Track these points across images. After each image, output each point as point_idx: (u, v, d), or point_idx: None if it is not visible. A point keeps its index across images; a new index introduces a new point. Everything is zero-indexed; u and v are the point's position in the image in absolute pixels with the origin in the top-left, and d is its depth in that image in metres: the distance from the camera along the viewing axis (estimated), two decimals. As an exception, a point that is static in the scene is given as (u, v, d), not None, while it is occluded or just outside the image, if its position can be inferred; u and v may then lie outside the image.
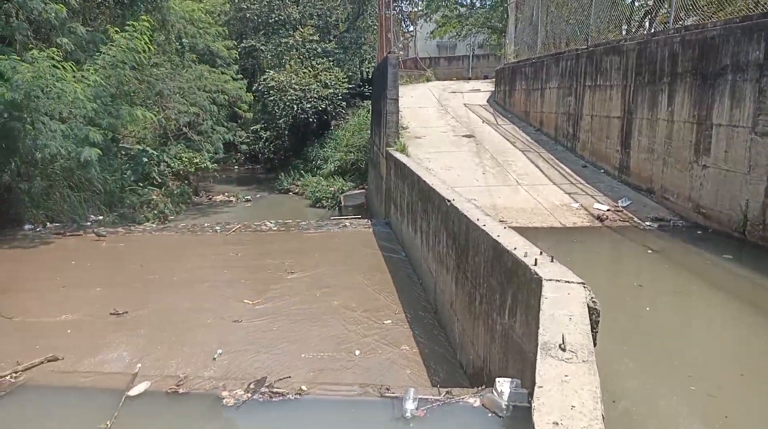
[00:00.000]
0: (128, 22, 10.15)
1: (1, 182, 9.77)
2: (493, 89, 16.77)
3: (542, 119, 11.96)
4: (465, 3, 26.78)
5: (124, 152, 15.56)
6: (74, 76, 9.04)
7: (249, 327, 5.53)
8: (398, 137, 10.66)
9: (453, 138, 11.43)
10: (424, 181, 6.54)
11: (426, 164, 9.23)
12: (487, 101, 15.81)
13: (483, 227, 4.12)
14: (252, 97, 21.08)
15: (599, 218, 7.11)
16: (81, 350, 4.92)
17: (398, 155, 9.30)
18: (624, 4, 10.98)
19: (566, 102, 10.62)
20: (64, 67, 8.54)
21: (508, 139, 11.25)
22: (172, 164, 17.13)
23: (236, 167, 26.01)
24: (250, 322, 5.66)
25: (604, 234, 6.72)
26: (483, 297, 4.06)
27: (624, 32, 10.93)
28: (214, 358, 4.81)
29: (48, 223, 10.22)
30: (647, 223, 6.85)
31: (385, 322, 5.67)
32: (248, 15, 21.84)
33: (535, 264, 3.14)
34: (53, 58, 8.31)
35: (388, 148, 10.42)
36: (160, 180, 16.48)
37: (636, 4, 12.66)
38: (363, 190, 16.68)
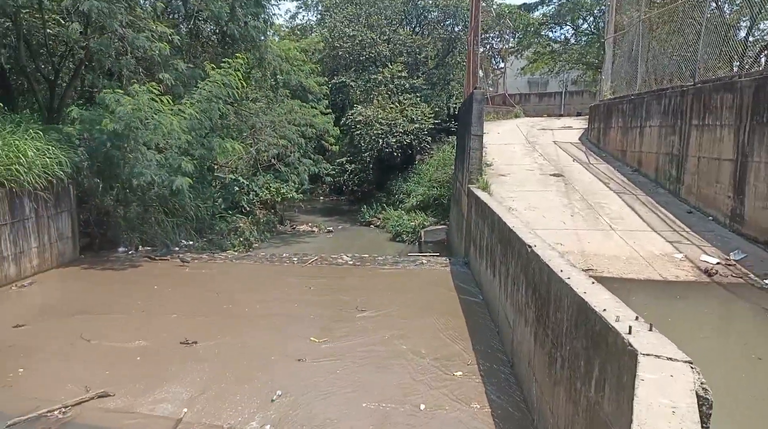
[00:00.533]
0: (224, 59, 10.67)
1: (102, 206, 10.45)
2: (586, 127, 15.94)
3: (641, 159, 11.08)
4: (559, 39, 26.09)
5: (218, 181, 16.33)
6: (171, 109, 9.57)
7: (312, 368, 5.31)
8: (481, 174, 10.28)
9: (539, 176, 10.85)
10: (504, 223, 6.11)
11: (509, 203, 8.75)
12: (579, 139, 15.02)
13: (567, 280, 3.65)
14: (340, 131, 21.62)
15: (707, 272, 6.28)
16: (142, 381, 4.91)
17: (479, 193, 8.91)
18: (736, 40, 10.08)
19: (669, 141, 9.76)
20: (161, 101, 9.05)
21: (600, 180, 10.50)
22: (261, 194, 17.78)
23: (321, 198, 26.63)
24: (313, 362, 5.44)
25: (713, 291, 5.89)
26: (565, 360, 3.56)
27: (736, 69, 10.00)
28: (273, 400, 4.61)
29: (140, 247, 10.75)
30: (766, 282, 5.94)
31: (455, 373, 5.23)
32: (340, 53, 22.56)
33: (629, 332, 2.65)
34: (151, 92, 8.84)
35: (469, 185, 10.06)
36: (248, 208, 17.11)
37: (750, 39, 11.60)
38: (444, 226, 16.32)
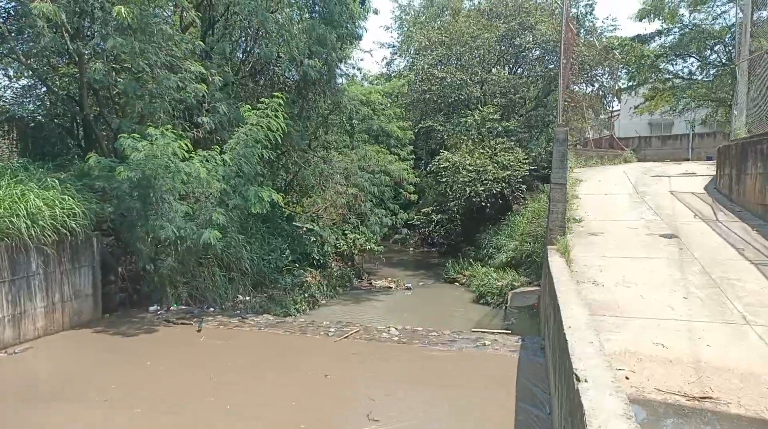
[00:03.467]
0: (261, 99, 9.67)
1: (133, 260, 9.69)
2: (714, 173, 12.94)
3: (791, 216, 8.23)
4: (681, 74, 22.74)
5: (292, 231, 15.43)
6: (201, 156, 8.64)
7: None
8: (563, 233, 8.11)
9: (645, 237, 8.38)
10: (560, 315, 4.05)
11: (593, 275, 6.51)
12: (705, 189, 12.10)
13: None
14: (431, 179, 20.11)
15: None
16: None
17: (553, 259, 6.78)
18: None
19: (835, 193, 6.98)
20: (181, 146, 8.11)
21: (732, 244, 7.82)
22: (337, 245, 16.62)
23: (411, 249, 25.06)
24: None
25: None
26: None
27: None
28: None
29: (174, 306, 9.79)
30: None
31: None
32: (428, 96, 21.30)
33: None
34: (165, 135, 7.94)
35: (548, 246, 7.93)
36: (321, 261, 15.96)
37: None
38: (537, 288, 13.93)
